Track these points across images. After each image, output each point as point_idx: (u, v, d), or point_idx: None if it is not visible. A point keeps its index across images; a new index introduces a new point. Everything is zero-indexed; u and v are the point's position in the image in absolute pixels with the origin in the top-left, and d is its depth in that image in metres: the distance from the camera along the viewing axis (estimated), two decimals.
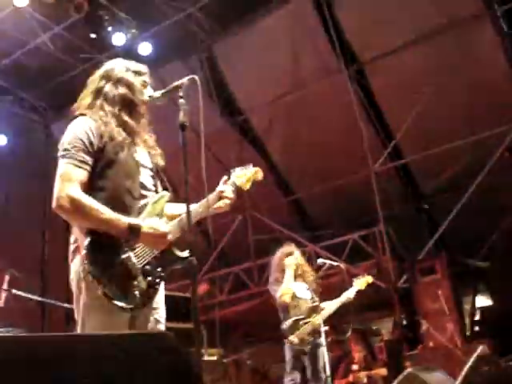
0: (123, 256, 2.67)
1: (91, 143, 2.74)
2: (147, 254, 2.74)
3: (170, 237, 2.76)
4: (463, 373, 4.72)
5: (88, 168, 2.71)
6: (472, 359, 4.51)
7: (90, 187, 2.72)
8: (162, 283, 2.92)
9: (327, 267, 6.71)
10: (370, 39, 9.36)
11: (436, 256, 9.02)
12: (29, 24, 9.25)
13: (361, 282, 6.31)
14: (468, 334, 8.88)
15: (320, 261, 6.44)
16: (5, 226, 9.32)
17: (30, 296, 5.77)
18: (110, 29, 8.51)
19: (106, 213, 2.63)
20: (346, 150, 9.98)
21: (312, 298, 6.14)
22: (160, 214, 2.86)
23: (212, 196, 3.03)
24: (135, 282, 2.67)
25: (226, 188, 3.08)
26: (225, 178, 3.17)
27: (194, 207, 2.92)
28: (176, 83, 2.82)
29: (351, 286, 6.34)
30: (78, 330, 2.71)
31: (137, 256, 2.71)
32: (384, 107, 10.02)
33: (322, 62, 9.85)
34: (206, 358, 7.54)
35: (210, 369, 7.48)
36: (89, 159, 2.71)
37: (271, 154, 11.00)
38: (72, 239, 2.79)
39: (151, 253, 2.75)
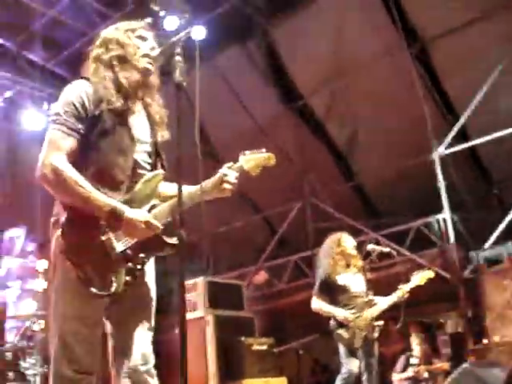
0: (103, 238, 2.51)
1: (85, 109, 2.59)
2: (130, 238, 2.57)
3: (155, 228, 2.56)
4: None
5: (78, 136, 2.57)
6: None
7: (79, 157, 2.57)
8: (152, 263, 2.78)
9: (377, 255, 6.37)
10: (433, 16, 8.86)
11: (504, 245, 8.48)
12: (87, 14, 9.36)
13: (420, 277, 5.93)
14: None
15: (370, 247, 6.12)
16: None
17: None
18: (162, 13, 8.45)
19: (91, 191, 2.47)
20: (410, 133, 9.55)
21: (365, 291, 5.88)
22: (151, 194, 2.70)
23: (212, 179, 2.82)
24: (113, 268, 2.51)
25: (229, 172, 2.83)
26: (231, 163, 2.94)
27: (190, 189, 2.73)
28: (173, 39, 2.61)
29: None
30: (52, 310, 2.59)
31: (118, 239, 2.54)
32: (449, 87, 9.49)
33: (384, 41, 9.43)
34: (256, 347, 7.41)
35: (260, 358, 7.36)
36: (80, 126, 2.57)
37: (332, 139, 10.67)
38: (54, 211, 2.66)
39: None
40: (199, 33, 9.00)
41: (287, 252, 10.59)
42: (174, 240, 2.60)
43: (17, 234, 10.38)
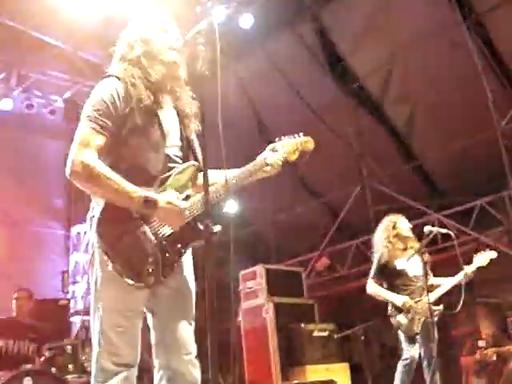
0: (138, 230, 2.54)
1: (116, 107, 2.62)
2: (165, 229, 2.59)
3: (187, 214, 2.57)
4: None
5: (108, 134, 2.60)
6: None
7: (111, 155, 2.62)
8: (189, 254, 2.78)
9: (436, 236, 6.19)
10: None
11: None
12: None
13: (483, 258, 5.75)
14: None
15: (427, 228, 5.96)
16: None
17: None
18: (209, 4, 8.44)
19: (121, 183, 2.50)
20: (470, 109, 9.19)
21: (422, 274, 5.74)
22: (185, 186, 2.71)
23: (258, 161, 2.89)
24: (150, 259, 2.53)
25: (269, 155, 2.92)
26: (271, 145, 2.98)
27: (234, 173, 2.80)
28: (195, 29, 2.60)
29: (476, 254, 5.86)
30: (92, 303, 2.65)
31: (153, 231, 2.56)
32: (509, 60, 9.08)
33: (437, 15, 9.10)
34: (316, 333, 7.38)
35: (321, 344, 7.33)
36: (111, 124, 2.60)
37: (390, 120, 10.42)
38: (91, 206, 2.71)
39: (170, 228, 2.60)
40: (247, 21, 8.98)
41: (348, 237, 10.45)
42: (215, 228, 2.60)
43: (83, 230, 10.71)
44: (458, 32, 8.90)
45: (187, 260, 2.81)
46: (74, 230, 10.88)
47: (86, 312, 6.71)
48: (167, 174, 2.70)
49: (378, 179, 10.16)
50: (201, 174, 2.78)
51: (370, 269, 6.15)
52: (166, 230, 2.59)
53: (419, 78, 9.65)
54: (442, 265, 7.68)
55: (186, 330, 2.71)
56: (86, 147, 2.54)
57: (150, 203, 2.50)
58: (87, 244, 10.61)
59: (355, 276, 9.90)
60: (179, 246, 2.63)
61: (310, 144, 3.05)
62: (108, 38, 9.99)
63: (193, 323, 2.76)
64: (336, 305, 9.80)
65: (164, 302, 2.68)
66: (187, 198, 2.68)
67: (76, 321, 7.63)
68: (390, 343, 9.58)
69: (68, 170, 2.56)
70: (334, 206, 11.15)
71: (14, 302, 6.08)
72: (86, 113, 2.63)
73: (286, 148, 2.95)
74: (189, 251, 2.79)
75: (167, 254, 2.58)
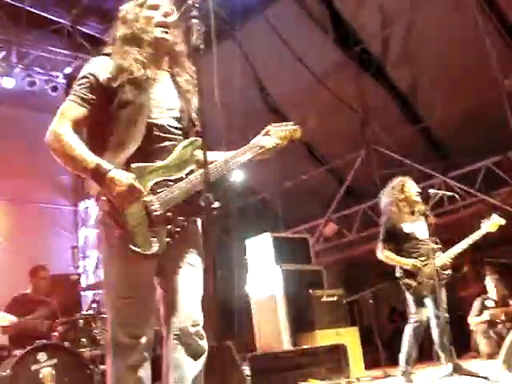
0: (144, 199, 2.56)
1: (98, 80, 2.64)
2: (171, 201, 2.61)
3: (138, 192, 2.53)
4: None
5: (89, 106, 2.62)
6: None
7: (100, 128, 2.65)
8: (199, 222, 2.81)
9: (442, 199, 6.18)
10: None
11: None
12: None
13: (491, 224, 5.72)
14: None
15: (432, 191, 5.95)
16: None
17: None
18: None
19: (79, 151, 2.51)
20: (475, 70, 9.09)
21: (428, 237, 5.74)
22: (188, 160, 2.74)
23: (250, 145, 2.95)
24: (155, 229, 2.56)
25: (263, 139, 2.99)
26: (265, 129, 3.06)
27: (234, 153, 2.85)
28: (188, 2, 2.54)
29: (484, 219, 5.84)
30: (103, 278, 2.70)
31: (159, 201, 2.59)
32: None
33: None
34: (325, 299, 7.45)
35: (330, 310, 7.40)
36: (92, 96, 2.62)
37: (394, 83, 10.32)
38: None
39: (175, 200, 2.62)
40: None
41: (355, 202, 10.46)
42: (213, 203, 2.62)
43: (91, 205, 10.77)
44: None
45: (194, 233, 2.81)
46: (82, 205, 10.95)
47: (97, 286, 6.77)
48: (166, 143, 2.71)
49: (383, 143, 10.11)
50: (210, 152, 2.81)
51: (377, 233, 6.15)
52: (173, 202, 2.61)
53: (422, 39, 9.53)
54: (449, 227, 7.70)
55: (194, 301, 2.72)
56: (61, 118, 2.59)
57: (98, 172, 2.47)
58: (96, 219, 10.70)
59: (363, 240, 9.94)
60: (182, 218, 2.65)
61: (297, 133, 3.09)
62: (106, 12, 9.95)
63: (200, 293, 2.77)
64: (344, 270, 9.87)
65: (171, 272, 2.69)
66: (190, 172, 2.71)
67: (88, 295, 7.69)
68: (399, 306, 9.68)
69: (45, 140, 2.60)
70: (340, 171, 11.13)
71: (31, 278, 6.12)
72: (72, 87, 2.69)
73: (277, 134, 3.01)
74: (194, 225, 2.81)
75: (170, 226, 2.60)
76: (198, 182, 2.65)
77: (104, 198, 2.54)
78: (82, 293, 8.29)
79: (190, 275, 2.74)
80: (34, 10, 9.56)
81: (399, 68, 10.20)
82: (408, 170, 9.19)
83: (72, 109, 2.61)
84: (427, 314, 5.65)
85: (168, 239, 2.60)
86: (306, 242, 8.38)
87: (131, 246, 2.49)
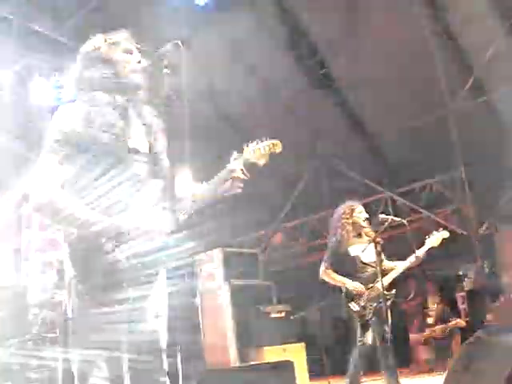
0: (108, 255, 2.48)
1: (77, 134, 2.54)
2: (136, 248, 2.53)
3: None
4: None
5: (71, 163, 2.53)
6: None
7: (78, 183, 2.55)
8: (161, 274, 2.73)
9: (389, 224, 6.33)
10: None
11: None
12: None
13: (435, 239, 5.87)
14: None
15: (382, 216, 6.07)
16: None
17: None
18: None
19: (81, 213, 2.47)
20: (423, 89, 9.33)
21: (376, 261, 5.86)
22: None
23: (220, 176, 2.82)
24: (123, 284, 2.51)
25: (236, 166, 2.84)
26: (235, 154, 2.93)
27: (201, 189, 2.79)
28: (159, 50, 2.55)
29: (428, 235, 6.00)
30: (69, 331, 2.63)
31: (123, 253, 2.51)
32: (463, 39, 9.20)
33: None
34: (273, 315, 7.53)
35: (277, 325, 7.48)
36: (73, 153, 2.53)
37: (345, 98, 10.48)
38: None
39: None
40: None
41: (302, 213, 10.58)
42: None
43: None
44: (412, 6, 8.94)
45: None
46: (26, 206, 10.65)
47: (44, 305, 6.57)
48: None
49: (333, 156, 10.26)
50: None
51: (323, 244, 6.22)
52: (137, 249, 2.54)
53: (372, 55, 9.69)
54: (392, 241, 7.88)
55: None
56: (47, 180, 2.49)
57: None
58: (41, 221, 10.44)
59: (310, 251, 10.08)
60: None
61: (278, 147, 3.04)
62: (58, 10, 9.73)
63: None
64: (292, 280, 9.96)
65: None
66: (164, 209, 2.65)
67: (34, 312, 7.49)
68: (344, 317, 9.86)
69: (31, 206, 2.51)
70: (289, 182, 11.23)
71: None
72: (47, 144, 2.55)
73: (254, 154, 2.93)
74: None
75: (139, 274, 2.54)
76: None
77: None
78: (30, 310, 8.07)
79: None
80: None
81: (349, 82, 10.36)
82: (355, 185, 9.41)
83: (55, 169, 2.52)
84: (372, 336, 5.77)
85: (143, 288, 2.57)
86: (255, 256, 8.43)
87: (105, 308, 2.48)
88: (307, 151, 10.31)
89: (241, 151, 2.96)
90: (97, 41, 2.80)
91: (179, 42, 2.56)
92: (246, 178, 2.89)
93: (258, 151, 2.94)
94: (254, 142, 2.98)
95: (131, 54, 2.79)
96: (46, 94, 10.15)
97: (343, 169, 10.02)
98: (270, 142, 3.00)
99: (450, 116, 8.96)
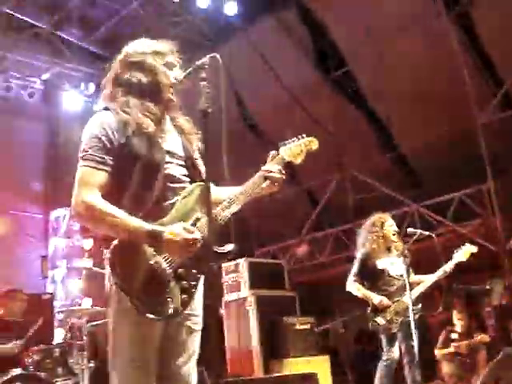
0: (151, 262, 2.47)
1: (111, 140, 2.53)
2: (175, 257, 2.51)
3: (198, 243, 2.48)
4: None
5: (108, 168, 2.51)
6: None
7: (114, 187, 2.54)
8: (201, 283, 2.68)
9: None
10: None
11: None
12: None
13: (463, 253, 5.79)
14: None
15: (410, 230, 6.01)
16: None
17: None
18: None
19: (125, 220, 2.43)
20: (452, 101, 9.27)
21: (403, 274, 5.81)
22: (193, 209, 2.62)
23: (256, 177, 2.77)
24: (167, 289, 2.48)
25: (272, 167, 2.79)
26: (272, 152, 2.89)
27: (235, 191, 2.72)
28: (197, 63, 2.52)
29: (456, 249, 5.94)
30: (109, 339, 2.59)
31: (167, 260, 2.49)
32: (492, 52, 9.13)
33: (421, 4, 9.13)
34: (298, 327, 7.50)
35: (302, 337, 7.44)
36: (108, 158, 2.51)
37: (371, 108, 10.45)
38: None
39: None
40: (231, 8, 8.92)
41: (328, 224, 10.55)
42: (227, 248, 2.59)
43: (62, 214, 10.64)
44: (440, 21, 8.91)
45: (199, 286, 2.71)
46: (54, 214, 10.79)
47: (72, 310, 6.60)
48: (175, 198, 2.62)
49: (358, 168, 10.22)
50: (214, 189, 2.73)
51: (348, 256, 6.18)
52: (181, 258, 2.53)
53: (401, 68, 9.67)
54: (419, 254, 7.81)
55: (187, 366, 2.71)
56: (86, 186, 2.48)
57: (154, 237, 2.43)
58: (67, 228, 10.59)
59: (334, 263, 10.04)
60: (194, 271, 2.58)
61: (314, 144, 2.97)
62: (87, 19, 9.87)
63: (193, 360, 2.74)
64: (316, 291, 9.93)
65: (172, 336, 2.62)
66: (197, 221, 2.60)
67: (60, 317, 7.56)
68: (367, 328, 9.78)
69: (72, 212, 2.52)
70: (315, 193, 11.22)
71: (3, 300, 5.99)
72: (82, 152, 2.55)
73: (290, 153, 2.89)
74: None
75: (183, 282, 2.54)
76: (205, 231, 2.53)
77: (110, 265, 2.48)
78: (57, 316, 8.17)
79: (188, 338, 2.70)
80: (14, 13, 9.41)
81: (377, 94, 10.34)
82: (381, 197, 9.35)
83: (93, 175, 2.50)
84: (398, 350, 5.72)
85: (184, 296, 2.53)
86: (280, 267, 8.40)
87: (148, 315, 2.42)
88: (333, 162, 10.26)
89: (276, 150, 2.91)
90: (141, 46, 2.78)
91: (217, 56, 2.54)
92: (283, 177, 2.84)
93: (294, 149, 2.90)
94: (290, 140, 2.94)
95: (174, 67, 2.77)
96: (76, 101, 10.32)
97: (369, 181, 9.95)
98: (306, 139, 2.95)
99: (478, 128, 8.85)
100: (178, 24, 9.68)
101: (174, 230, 2.46)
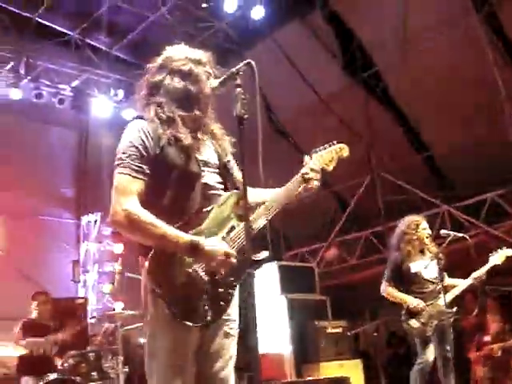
0: (188, 270, 2.49)
1: (147, 149, 2.54)
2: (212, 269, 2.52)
3: (233, 258, 2.50)
4: None
5: (145, 177, 2.53)
6: None
7: (150, 196, 2.55)
8: (237, 289, 2.70)
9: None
10: None
11: None
12: None
13: (499, 257, 5.72)
14: None
15: (443, 232, 5.93)
16: None
17: None
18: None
19: (166, 229, 2.44)
20: (482, 102, 9.15)
21: (438, 277, 5.74)
22: (228, 217, 2.64)
23: (293, 182, 2.78)
24: (204, 296, 2.50)
25: (308, 170, 2.80)
26: (307, 158, 2.88)
27: (276, 193, 2.75)
28: (232, 70, 2.51)
29: (491, 251, 5.85)
30: (146, 345, 2.61)
31: (204, 268, 2.51)
32: None
33: (450, 6, 9.02)
34: (330, 330, 7.47)
35: (334, 341, 7.41)
36: (145, 167, 2.53)
37: (401, 110, 10.36)
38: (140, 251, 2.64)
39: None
40: (258, 12, 8.94)
41: (357, 227, 10.48)
42: (261, 255, 2.58)
43: (94, 219, 10.75)
44: (471, 23, 8.80)
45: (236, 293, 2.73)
46: (85, 219, 10.91)
47: (107, 318, 6.64)
48: (211, 206, 2.63)
49: (388, 170, 10.14)
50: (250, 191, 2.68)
51: (378, 259, 6.11)
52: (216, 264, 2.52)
53: (432, 68, 9.56)
54: (452, 256, 7.72)
55: (225, 370, 2.71)
56: (125, 194, 2.49)
57: (194, 248, 2.45)
58: (98, 233, 10.71)
59: (364, 266, 9.95)
60: (232, 278, 2.59)
61: (345, 151, 2.97)
62: (115, 26, 9.95)
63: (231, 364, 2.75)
64: (345, 294, 9.86)
65: (209, 341, 2.63)
66: (232, 229, 2.63)
67: (95, 322, 7.61)
68: (398, 331, 9.70)
69: (110, 219, 2.53)
70: (344, 195, 11.15)
71: (33, 305, 6.08)
72: (118, 159, 2.57)
73: (322, 159, 2.88)
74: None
75: (220, 289, 2.55)
76: (241, 239, 2.57)
77: (147, 272, 2.49)
78: (90, 320, 8.24)
79: (225, 345, 2.70)
80: (43, 22, 9.54)
81: (406, 96, 10.24)
82: (412, 198, 9.26)
83: (130, 183, 2.51)
84: (433, 354, 5.65)
85: (221, 303, 2.56)
86: (311, 270, 8.38)
87: (186, 323, 2.45)
88: (362, 164, 10.19)
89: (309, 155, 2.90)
90: (182, 53, 2.78)
91: (252, 62, 2.52)
92: (319, 181, 2.84)
93: (326, 156, 2.90)
94: (321, 147, 2.94)
95: (209, 78, 2.75)
96: (105, 107, 10.42)
97: (399, 182, 9.87)
98: (337, 146, 2.95)
99: (510, 129, 8.73)
100: (206, 29, 9.71)
101: (213, 242, 2.49)
